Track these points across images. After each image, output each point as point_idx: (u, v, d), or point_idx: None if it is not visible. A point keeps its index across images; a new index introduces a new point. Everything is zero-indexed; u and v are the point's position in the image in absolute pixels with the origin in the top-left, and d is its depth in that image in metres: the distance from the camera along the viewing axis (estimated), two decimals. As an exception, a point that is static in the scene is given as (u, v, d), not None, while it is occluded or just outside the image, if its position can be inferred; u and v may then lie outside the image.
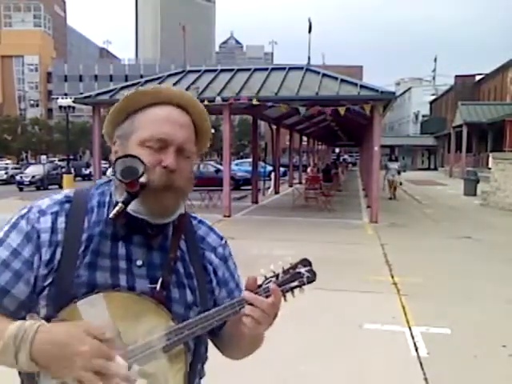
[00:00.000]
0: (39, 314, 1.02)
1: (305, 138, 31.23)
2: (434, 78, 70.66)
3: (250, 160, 20.98)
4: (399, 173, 18.51)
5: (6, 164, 36.89)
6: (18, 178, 28.98)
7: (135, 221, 1.07)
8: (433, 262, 7.86)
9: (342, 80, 13.19)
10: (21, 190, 27.30)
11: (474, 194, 18.97)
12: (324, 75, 13.80)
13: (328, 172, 21.21)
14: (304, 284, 1.10)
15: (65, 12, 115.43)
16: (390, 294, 6.03)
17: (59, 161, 46.88)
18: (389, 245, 9.06)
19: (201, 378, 1.19)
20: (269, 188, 21.71)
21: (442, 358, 4.17)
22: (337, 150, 57.39)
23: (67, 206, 1.09)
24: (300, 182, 24.96)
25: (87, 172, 37.53)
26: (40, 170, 29.82)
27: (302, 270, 1.11)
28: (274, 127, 20.79)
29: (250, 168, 20.89)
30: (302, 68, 14.71)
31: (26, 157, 67.90)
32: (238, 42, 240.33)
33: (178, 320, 1.04)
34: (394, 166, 18.53)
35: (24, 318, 0.97)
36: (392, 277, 6.82)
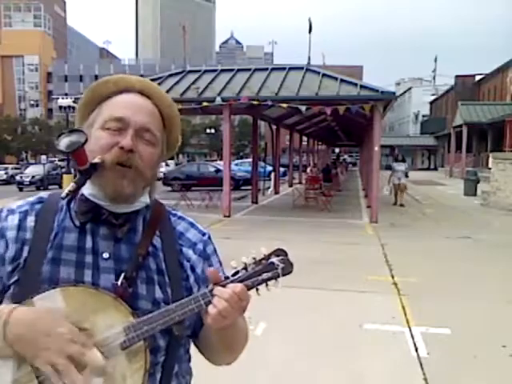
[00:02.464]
0: None
1: (305, 138, 31.22)
2: (434, 78, 70.64)
3: (250, 160, 20.98)
4: (406, 175, 16.10)
5: (6, 168, 36.84)
6: (17, 178, 28.97)
7: (96, 208, 1.06)
8: (433, 262, 7.86)
9: (342, 80, 13.19)
10: (21, 190, 27.28)
11: (474, 194, 18.96)
12: (324, 75, 13.80)
13: (328, 172, 21.20)
14: (278, 276, 1.03)
15: (65, 12, 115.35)
16: (389, 294, 6.03)
17: (59, 161, 46.85)
18: (389, 245, 9.06)
19: (183, 377, 1.14)
20: (269, 188, 21.70)
21: (442, 358, 4.17)
22: (337, 150, 57.38)
23: (38, 206, 1.11)
24: (300, 182, 24.95)
25: (87, 172, 37.48)
26: (40, 170, 29.81)
27: (275, 260, 1.04)
28: (274, 127, 20.79)
29: (249, 168, 20.89)
30: (302, 68, 14.71)
31: (26, 157, 67.89)
32: (238, 42, 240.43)
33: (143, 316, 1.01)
34: (401, 167, 16.00)
35: None
36: (392, 277, 6.82)
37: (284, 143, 32.00)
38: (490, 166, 17.55)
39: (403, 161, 16.50)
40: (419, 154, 52.63)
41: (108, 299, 0.99)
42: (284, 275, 1.04)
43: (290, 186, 23.74)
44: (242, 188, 23.03)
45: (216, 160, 48.71)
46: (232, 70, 15.16)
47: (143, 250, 1.08)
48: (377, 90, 12.36)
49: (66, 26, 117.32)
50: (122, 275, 1.03)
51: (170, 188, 21.39)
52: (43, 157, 50.45)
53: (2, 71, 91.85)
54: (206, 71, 15.28)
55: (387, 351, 4.34)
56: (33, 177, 28.46)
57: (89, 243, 1.06)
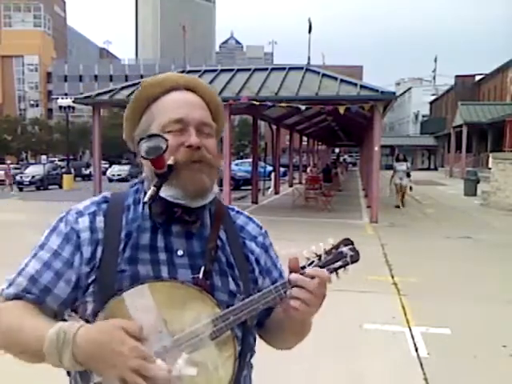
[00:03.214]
0: (87, 310, 1.05)
1: (305, 138, 31.23)
2: (434, 78, 70.74)
3: (250, 160, 20.98)
4: (408, 175, 15.53)
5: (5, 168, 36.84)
6: (17, 178, 28.96)
7: (172, 208, 1.09)
8: (433, 262, 7.86)
9: (342, 80, 13.20)
10: (21, 190, 27.28)
11: (474, 194, 18.96)
12: (324, 75, 13.80)
13: (328, 172, 21.20)
14: (348, 264, 1.08)
15: (65, 12, 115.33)
16: (389, 294, 6.03)
17: (59, 161, 46.89)
18: (389, 245, 9.06)
19: (251, 366, 1.18)
20: (269, 188, 21.70)
21: (442, 358, 4.17)
22: (337, 150, 57.39)
23: (104, 205, 1.13)
24: (300, 182, 24.95)
25: (87, 172, 37.57)
26: (40, 170, 29.81)
27: (345, 249, 1.09)
28: (274, 127, 20.80)
29: (249, 168, 20.90)
30: (301, 68, 14.72)
31: (26, 157, 67.89)
32: (238, 42, 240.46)
33: (223, 307, 1.04)
34: (403, 167, 15.52)
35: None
36: (392, 277, 6.82)
37: (284, 143, 32.01)
38: (489, 165, 17.55)
39: (405, 160, 15.99)
40: (419, 154, 52.64)
41: (194, 292, 1.03)
42: (352, 263, 1.09)
43: (290, 186, 23.74)
44: (242, 188, 23.02)
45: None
46: (232, 70, 15.16)
47: (213, 244, 1.12)
48: (377, 90, 12.36)
49: (66, 26, 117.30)
50: (203, 268, 1.07)
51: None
52: (43, 157, 50.50)
53: (1, 71, 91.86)
54: (205, 71, 15.30)
55: (387, 351, 4.35)
56: (33, 177, 28.45)
57: (161, 242, 1.09)
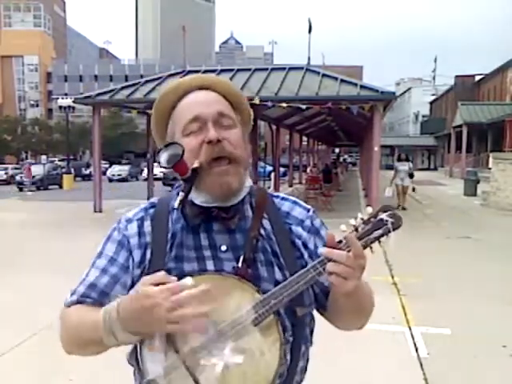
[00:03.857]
0: None
1: (305, 138, 31.23)
2: (433, 78, 70.67)
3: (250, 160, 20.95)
4: (411, 176, 14.86)
5: (6, 168, 36.86)
6: (18, 178, 28.98)
7: (205, 209, 1.11)
8: (433, 262, 7.86)
9: (342, 80, 13.20)
10: (21, 190, 27.29)
11: (474, 194, 18.95)
12: (324, 75, 13.80)
13: (328, 172, 21.21)
14: (389, 231, 1.04)
15: (65, 12, 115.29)
16: (389, 294, 6.03)
17: (59, 161, 46.90)
18: (389, 245, 9.04)
19: (307, 360, 1.18)
20: (269, 188, 21.71)
21: (442, 358, 4.17)
22: (337, 150, 57.39)
23: (151, 210, 1.18)
24: (300, 183, 24.96)
25: (87, 172, 37.57)
26: (40, 170, 29.82)
27: (384, 216, 1.05)
28: (274, 127, 20.80)
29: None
30: (301, 68, 14.71)
31: (26, 157, 67.88)
32: (237, 42, 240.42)
33: None
34: (405, 167, 14.87)
35: None
36: (392, 277, 6.82)
37: (284, 143, 31.99)
38: (490, 166, 17.55)
39: (407, 160, 15.46)
40: (419, 154, 52.67)
41: (233, 281, 1.04)
42: (394, 230, 1.05)
43: (290, 186, 23.74)
44: (242, 188, 23.00)
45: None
46: (232, 70, 15.16)
47: (255, 233, 1.12)
48: (377, 90, 12.36)
49: (66, 26, 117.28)
50: (241, 257, 1.08)
51: (170, 188, 21.39)
52: (43, 157, 50.50)
53: (1, 71, 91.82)
54: (205, 71, 15.27)
55: (387, 351, 4.35)
56: (33, 177, 28.46)
57: (205, 241, 1.11)
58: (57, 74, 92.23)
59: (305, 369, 1.18)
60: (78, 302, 1.12)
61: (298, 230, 1.18)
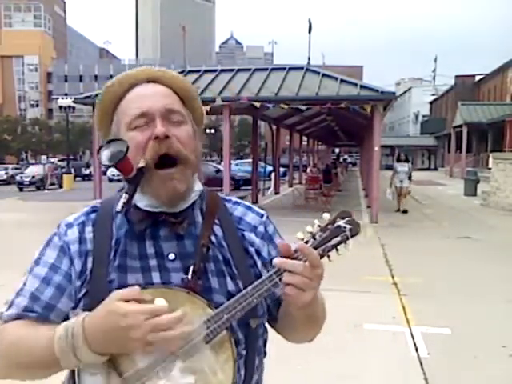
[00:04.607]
0: None
1: (305, 138, 31.23)
2: (434, 78, 70.68)
3: (250, 160, 20.99)
4: (410, 177, 14.22)
5: (6, 168, 36.85)
6: (18, 178, 29.00)
7: (151, 214, 1.04)
8: (433, 262, 7.86)
9: (342, 80, 13.20)
10: (21, 190, 27.31)
11: (475, 194, 18.96)
12: (324, 75, 13.80)
13: (328, 172, 21.21)
14: (348, 238, 0.99)
15: (65, 12, 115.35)
16: (390, 294, 6.03)
17: (59, 161, 46.91)
18: (389, 245, 9.06)
19: (261, 370, 1.12)
20: (269, 188, 21.71)
21: (442, 358, 4.17)
22: (337, 150, 57.40)
23: (93, 215, 1.08)
24: (300, 183, 24.95)
25: (87, 172, 37.58)
26: (40, 170, 29.84)
27: (342, 222, 1.00)
28: (274, 127, 20.80)
29: (249, 168, 20.90)
30: (301, 68, 14.72)
31: (26, 157, 67.92)
32: (238, 42, 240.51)
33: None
34: (404, 168, 14.15)
35: None
36: (392, 277, 6.82)
37: (284, 143, 32.03)
38: (490, 166, 17.56)
39: (406, 161, 14.66)
40: (419, 154, 52.65)
41: (182, 295, 0.96)
42: (352, 236, 1.00)
43: (290, 186, 23.74)
44: (242, 188, 23.04)
45: (215, 160, 48.66)
46: (232, 70, 15.16)
47: (206, 241, 1.04)
48: (377, 90, 12.36)
49: (66, 26, 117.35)
50: (191, 268, 1.00)
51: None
52: (43, 157, 50.49)
53: (2, 71, 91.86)
54: (205, 71, 15.29)
55: (387, 351, 4.35)
56: (33, 177, 28.48)
57: (150, 249, 1.03)
58: (57, 74, 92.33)
59: (261, 381, 1.12)
60: (19, 316, 1.00)
61: (250, 236, 1.11)
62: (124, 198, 0.97)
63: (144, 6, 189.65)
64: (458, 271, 7.35)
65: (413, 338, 4.58)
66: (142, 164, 0.98)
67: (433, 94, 60.66)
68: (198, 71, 15.32)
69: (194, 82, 13.78)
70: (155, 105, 1.02)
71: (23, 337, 0.96)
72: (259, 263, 1.10)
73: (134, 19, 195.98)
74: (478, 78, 46.32)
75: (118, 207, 0.97)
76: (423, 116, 63.64)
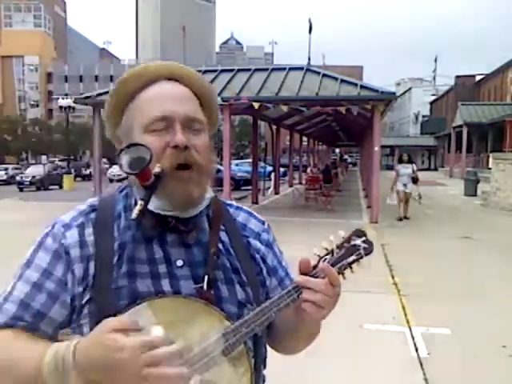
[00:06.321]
0: (82, 333, 0.93)
1: (305, 139, 31.23)
2: (434, 79, 70.76)
3: (250, 160, 20.99)
4: (414, 181, 12.67)
5: (6, 168, 36.87)
6: (18, 178, 29.01)
7: (164, 219, 0.99)
8: (433, 262, 7.86)
9: (342, 80, 13.21)
10: (21, 190, 27.30)
11: (475, 195, 18.96)
12: (324, 75, 13.81)
13: (328, 172, 21.21)
14: (362, 257, 1.01)
15: (65, 12, 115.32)
16: (390, 294, 6.04)
17: (59, 161, 46.92)
18: (389, 245, 9.06)
19: (264, 381, 1.10)
20: (269, 188, 21.71)
21: (442, 358, 4.17)
22: (337, 151, 57.39)
23: (92, 215, 1.01)
24: (300, 183, 24.96)
25: (87, 172, 37.60)
26: (40, 170, 29.85)
27: (358, 241, 1.01)
28: (274, 127, 20.80)
29: (249, 168, 20.90)
30: (302, 68, 14.73)
31: (26, 157, 67.91)
32: (238, 42, 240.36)
33: (233, 320, 0.94)
34: (408, 170, 12.62)
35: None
36: (392, 277, 6.82)
37: (284, 143, 32.02)
38: (490, 166, 17.56)
39: (409, 162, 12.98)
40: (419, 155, 52.64)
41: (199, 306, 0.94)
42: (366, 255, 1.02)
43: (290, 186, 23.75)
44: (242, 188, 23.02)
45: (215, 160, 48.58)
46: (232, 70, 15.16)
47: (215, 249, 1.01)
48: (377, 90, 12.37)
49: (66, 27, 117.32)
50: (206, 278, 0.97)
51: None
52: (43, 157, 50.52)
53: (2, 71, 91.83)
54: (205, 71, 15.28)
55: (387, 351, 4.35)
56: (33, 177, 28.48)
57: (159, 253, 0.98)
58: (57, 74, 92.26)
59: None
60: (7, 325, 0.92)
61: (256, 243, 1.10)
62: (140, 205, 0.92)
63: (144, 6, 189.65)
64: (458, 271, 7.35)
65: (413, 338, 4.59)
66: (157, 170, 0.93)
67: (433, 94, 60.68)
68: (198, 71, 15.30)
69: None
70: (177, 110, 0.97)
71: (10, 353, 0.89)
72: (265, 271, 1.09)
73: (134, 19, 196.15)
74: (478, 78, 46.36)
75: (133, 215, 0.91)
76: (423, 116, 63.65)
